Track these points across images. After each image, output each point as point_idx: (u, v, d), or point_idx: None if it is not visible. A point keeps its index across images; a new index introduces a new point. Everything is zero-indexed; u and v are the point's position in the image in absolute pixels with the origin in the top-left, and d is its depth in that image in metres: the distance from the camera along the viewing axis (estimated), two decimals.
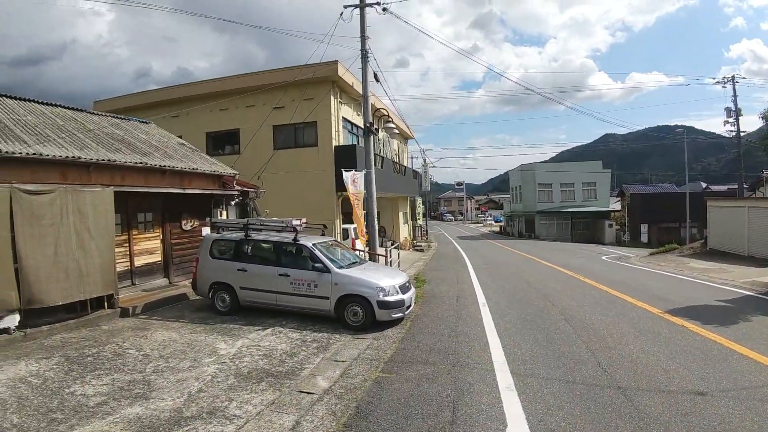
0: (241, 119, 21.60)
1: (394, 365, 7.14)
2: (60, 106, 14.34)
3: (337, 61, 19.64)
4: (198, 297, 11.63)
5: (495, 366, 6.88)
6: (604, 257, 27.01)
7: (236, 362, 7.33)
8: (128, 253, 12.55)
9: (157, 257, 13.53)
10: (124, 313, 10.63)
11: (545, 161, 65.37)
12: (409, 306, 9.87)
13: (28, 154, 9.39)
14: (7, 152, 9.00)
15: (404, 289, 9.76)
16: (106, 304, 10.56)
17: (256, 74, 21.47)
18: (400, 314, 9.47)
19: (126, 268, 12.41)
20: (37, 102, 13.72)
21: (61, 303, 9.53)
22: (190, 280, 11.74)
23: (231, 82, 21.53)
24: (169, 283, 13.59)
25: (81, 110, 15.08)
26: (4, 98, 12.72)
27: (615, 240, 46.11)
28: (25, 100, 13.37)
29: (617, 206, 54.75)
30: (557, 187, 51.69)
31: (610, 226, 47.47)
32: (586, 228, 49.74)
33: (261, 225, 11.21)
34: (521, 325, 9.42)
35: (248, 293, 10.39)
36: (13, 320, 8.81)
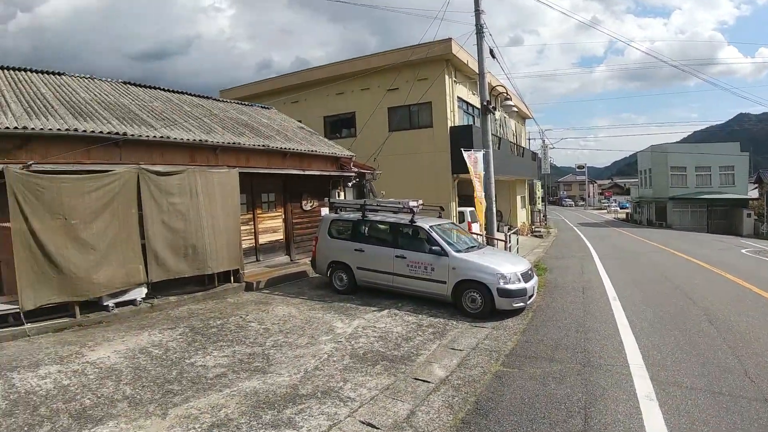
0: (357, 102, 21.82)
1: (515, 359, 6.70)
2: (186, 93, 15.35)
3: (450, 38, 19.00)
4: (317, 275, 11.92)
5: (631, 370, 6.17)
6: (743, 251, 24.08)
7: (352, 342, 7.31)
8: (253, 231, 13.16)
9: (280, 235, 14.07)
10: (249, 288, 11.19)
11: (676, 142, 59.32)
12: (531, 296, 9.26)
13: (155, 137, 10.00)
14: (132, 135, 9.58)
15: (526, 277, 9.18)
16: (232, 278, 11.20)
17: (370, 57, 21.47)
18: (522, 304, 8.92)
19: (251, 245, 13.04)
20: (163, 89, 14.73)
21: (188, 276, 10.19)
22: (310, 258, 12.04)
23: (346, 66, 21.76)
24: (291, 260, 14.09)
25: (207, 97, 16.07)
26: (129, 86, 13.75)
27: (753, 232, 40.95)
28: (150, 87, 14.40)
29: (754, 194, 48.49)
30: (692, 170, 46.70)
31: (749, 215, 42.09)
32: (723, 217, 44.60)
33: (378, 206, 11.14)
34: (659, 324, 8.47)
35: (365, 273, 10.41)
36: (140, 292, 9.50)
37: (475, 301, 8.88)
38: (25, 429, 4.79)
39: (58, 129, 8.74)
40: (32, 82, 11.14)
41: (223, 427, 4.73)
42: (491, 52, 14.36)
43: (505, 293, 8.69)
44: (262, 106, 18.58)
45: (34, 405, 5.32)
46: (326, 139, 17.42)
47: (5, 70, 11.58)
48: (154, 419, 4.94)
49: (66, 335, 8.00)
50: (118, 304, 9.12)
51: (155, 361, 6.60)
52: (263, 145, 12.38)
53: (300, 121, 19.23)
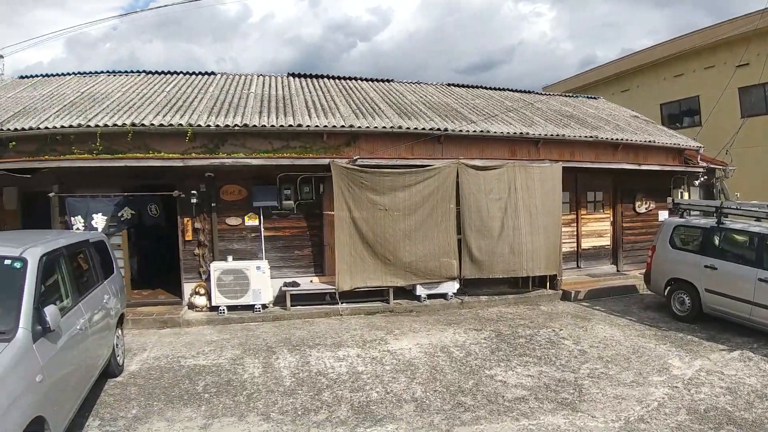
0: (699, 84, 17.88)
1: None
2: (507, 89, 15.02)
3: None
4: (648, 292, 9.79)
5: None
6: None
7: (691, 390, 5.40)
8: (575, 233, 11.75)
9: (605, 241, 12.26)
10: (566, 297, 9.91)
11: None
12: None
13: (475, 131, 9.89)
14: (453, 130, 9.64)
15: None
16: (548, 284, 10.13)
17: (712, 28, 17.22)
18: None
19: (571, 250, 11.65)
20: (485, 88, 14.71)
21: (501, 276, 9.57)
22: (641, 271, 10.01)
23: (685, 42, 17.99)
24: (617, 270, 12.16)
25: (528, 92, 15.48)
26: (453, 87, 14.18)
27: None
28: (473, 87, 14.52)
29: None
30: None
31: None
32: None
33: (739, 210, 8.38)
34: None
35: (715, 299, 7.91)
36: (452, 287, 9.29)
37: None
38: (299, 413, 4.74)
39: (383, 127, 9.28)
40: (362, 88, 12.41)
41: None
42: None
43: None
44: (587, 97, 16.97)
45: (319, 388, 5.35)
46: (666, 128, 14.71)
47: (336, 80, 13.20)
48: None
49: (376, 319, 8.30)
50: (429, 296, 9.19)
51: (454, 364, 6.10)
52: (590, 136, 10.99)
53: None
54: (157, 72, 12.95)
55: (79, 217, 8.38)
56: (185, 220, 9.00)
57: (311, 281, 9.18)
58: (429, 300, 9.13)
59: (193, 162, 8.29)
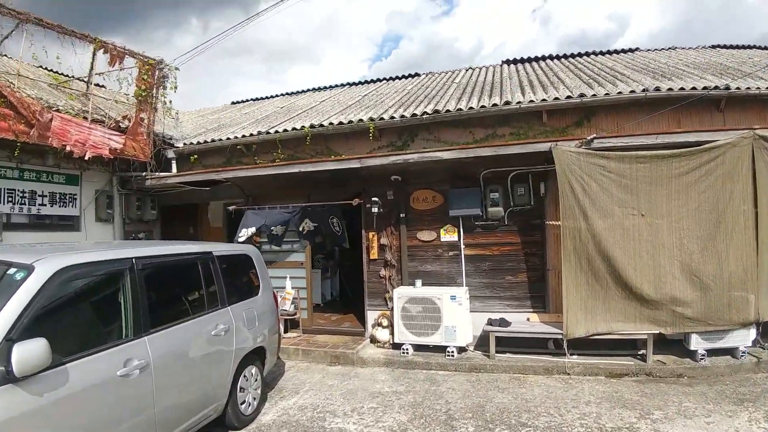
0: None
1: None
2: (753, 48, 11.16)
3: None
4: None
5: None
6: None
7: None
8: None
9: None
10: None
11: None
12: None
13: None
14: (739, 88, 6.19)
15: None
16: None
17: None
18: None
19: None
20: (759, 48, 11.03)
21: None
22: None
23: None
24: None
25: None
26: (718, 48, 11.12)
27: None
28: (742, 47, 11.20)
29: None
30: None
31: None
32: None
33: None
34: None
35: None
36: (745, 337, 5.60)
37: None
38: None
39: (631, 92, 6.33)
40: (596, 62, 9.82)
41: None
42: None
43: None
44: None
45: None
46: None
47: (561, 59, 10.90)
48: None
49: (623, 386, 5.20)
50: (709, 351, 5.65)
51: None
52: None
53: None
54: (358, 83, 12.33)
55: (253, 228, 7.38)
56: (370, 234, 7.44)
57: (527, 319, 6.52)
58: (709, 358, 5.64)
59: (370, 162, 6.54)
